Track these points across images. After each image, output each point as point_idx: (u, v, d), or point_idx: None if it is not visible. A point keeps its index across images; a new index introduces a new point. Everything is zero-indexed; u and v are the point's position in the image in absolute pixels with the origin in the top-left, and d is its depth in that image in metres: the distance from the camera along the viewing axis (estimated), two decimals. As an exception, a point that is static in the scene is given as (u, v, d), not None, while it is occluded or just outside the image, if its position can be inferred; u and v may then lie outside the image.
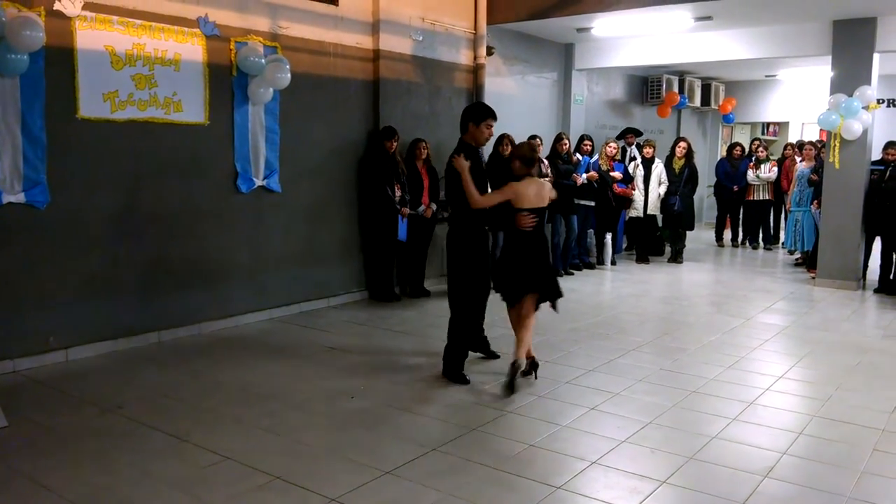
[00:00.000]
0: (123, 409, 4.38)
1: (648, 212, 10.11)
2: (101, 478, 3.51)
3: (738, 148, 11.88)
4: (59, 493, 3.35)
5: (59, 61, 5.14)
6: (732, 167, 11.74)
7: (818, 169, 9.30)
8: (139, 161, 5.69)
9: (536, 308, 4.98)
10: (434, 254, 8.15)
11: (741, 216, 12.16)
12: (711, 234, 12.80)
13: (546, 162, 8.66)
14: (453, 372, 5.00)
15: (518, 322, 4.92)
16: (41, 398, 4.62)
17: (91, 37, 5.30)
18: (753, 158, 11.61)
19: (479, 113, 4.96)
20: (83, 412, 4.36)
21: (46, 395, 4.67)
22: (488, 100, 8.51)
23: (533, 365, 4.98)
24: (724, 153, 12.61)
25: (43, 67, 5.03)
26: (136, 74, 5.59)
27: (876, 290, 8.34)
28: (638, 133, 10.96)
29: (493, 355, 5.45)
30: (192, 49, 5.92)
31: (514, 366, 4.73)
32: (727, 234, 12.39)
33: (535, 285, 4.92)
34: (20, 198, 5.03)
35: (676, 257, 10.32)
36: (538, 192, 4.89)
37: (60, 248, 5.28)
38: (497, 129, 7.95)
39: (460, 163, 4.75)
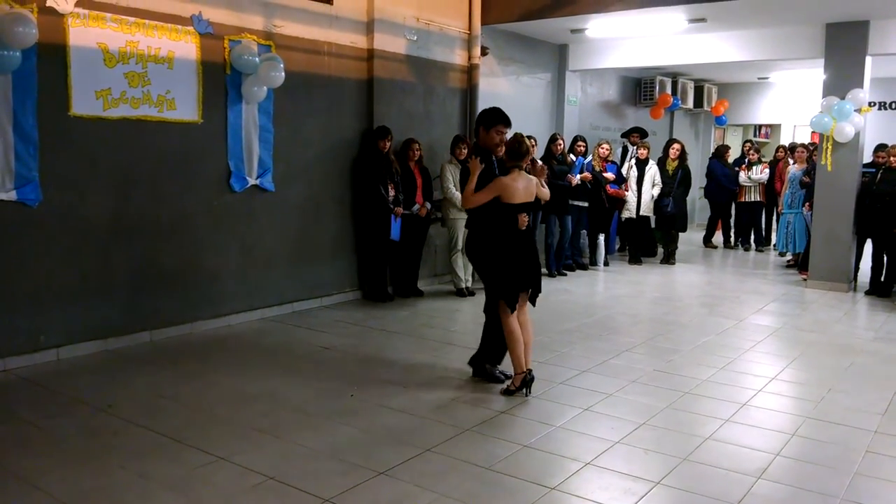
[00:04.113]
0: (115, 409, 4.36)
1: (641, 213, 10.14)
2: (93, 478, 3.48)
3: (729, 150, 12.00)
4: (50, 493, 3.32)
5: (51, 58, 5.11)
6: (730, 169, 11.81)
7: (810, 171, 9.35)
8: (132, 159, 5.66)
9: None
10: (428, 254, 8.15)
11: (733, 218, 12.23)
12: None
13: (540, 162, 8.66)
14: (485, 371, 5.01)
15: (524, 325, 4.78)
16: (32, 397, 4.59)
17: (84, 34, 5.27)
18: (746, 161, 11.67)
19: (489, 118, 4.89)
20: (75, 412, 4.33)
21: (37, 395, 4.63)
22: (482, 100, 8.52)
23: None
24: (713, 155, 12.51)
25: (35, 64, 5.00)
26: (130, 72, 5.56)
27: (867, 292, 8.38)
28: (644, 134, 10.97)
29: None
30: (185, 47, 5.89)
31: (529, 377, 4.69)
32: (718, 237, 12.42)
33: (535, 284, 4.82)
34: (12, 196, 4.99)
35: (669, 259, 10.36)
36: (527, 186, 4.74)
37: (52, 246, 5.25)
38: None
39: (474, 164, 4.71)
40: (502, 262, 4.72)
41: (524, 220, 4.73)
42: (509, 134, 4.91)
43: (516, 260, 4.72)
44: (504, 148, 4.81)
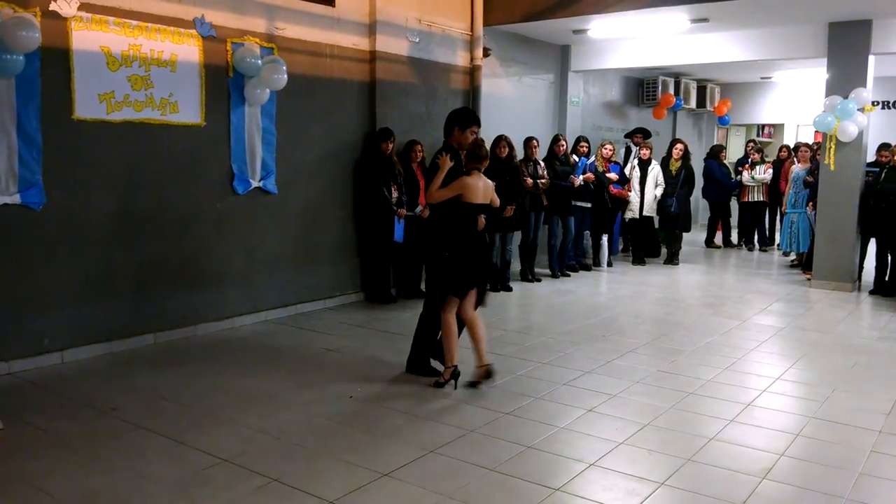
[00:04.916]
0: (119, 412, 4.36)
1: (644, 213, 10.13)
2: (97, 480, 3.49)
3: (724, 151, 12.06)
4: (55, 495, 3.33)
5: (54, 62, 5.12)
6: (727, 169, 11.81)
7: (814, 171, 9.33)
8: (135, 162, 5.67)
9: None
10: (430, 255, 8.14)
11: (737, 218, 12.22)
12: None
13: (542, 163, 8.67)
14: (421, 366, 5.10)
15: (474, 321, 4.90)
16: (36, 400, 4.60)
17: (87, 37, 5.29)
18: (749, 160, 11.65)
19: (465, 118, 5.03)
20: (79, 414, 4.34)
21: (42, 397, 4.64)
22: (484, 101, 8.55)
23: (488, 373, 4.89)
24: (708, 156, 12.40)
25: (38, 68, 5.01)
26: (132, 75, 5.57)
27: (871, 292, 8.36)
28: (647, 134, 10.96)
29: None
30: (188, 50, 5.91)
31: (490, 370, 4.84)
32: (719, 237, 12.39)
33: (485, 281, 5.02)
34: (15, 199, 5.00)
35: (672, 259, 10.33)
36: (485, 188, 4.91)
37: (55, 249, 5.26)
38: (494, 131, 8.03)
39: (444, 161, 4.83)
40: (456, 259, 4.85)
41: (482, 221, 4.94)
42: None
43: (469, 258, 4.86)
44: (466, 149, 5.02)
